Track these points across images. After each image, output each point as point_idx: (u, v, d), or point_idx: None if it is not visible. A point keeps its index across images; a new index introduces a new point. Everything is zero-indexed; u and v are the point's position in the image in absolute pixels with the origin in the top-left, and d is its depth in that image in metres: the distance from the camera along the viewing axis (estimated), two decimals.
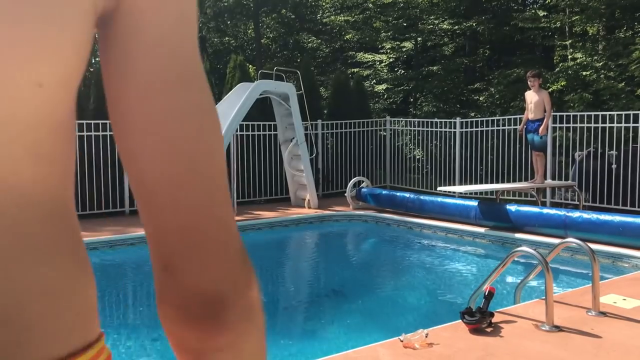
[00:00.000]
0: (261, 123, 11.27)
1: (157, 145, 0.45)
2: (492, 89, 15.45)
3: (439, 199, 8.93)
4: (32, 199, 0.43)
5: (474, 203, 8.25)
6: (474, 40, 18.02)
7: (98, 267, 7.10)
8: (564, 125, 9.93)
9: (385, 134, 12.48)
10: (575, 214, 7.09)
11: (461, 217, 8.29)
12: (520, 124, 8.94)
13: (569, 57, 14.44)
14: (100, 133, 9.63)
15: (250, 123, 10.92)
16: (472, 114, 14.83)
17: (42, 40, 0.41)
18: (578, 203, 8.99)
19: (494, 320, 3.88)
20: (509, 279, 5.94)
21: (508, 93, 14.68)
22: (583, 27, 15.26)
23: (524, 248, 4.24)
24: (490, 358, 3.34)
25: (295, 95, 10.68)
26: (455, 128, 11.35)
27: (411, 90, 18.31)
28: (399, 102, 18.66)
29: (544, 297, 3.92)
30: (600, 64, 13.07)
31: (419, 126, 12.19)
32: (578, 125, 9.57)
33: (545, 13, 14.83)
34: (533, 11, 15.55)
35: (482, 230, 7.91)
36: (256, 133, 11.32)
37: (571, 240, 4.53)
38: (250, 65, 16.74)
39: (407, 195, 9.41)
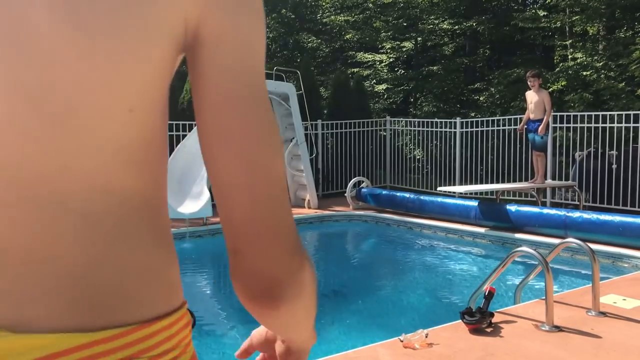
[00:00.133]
0: None
1: (228, 155, 0.55)
2: (492, 89, 15.46)
3: (439, 199, 8.93)
4: (132, 199, 0.54)
5: (474, 203, 8.25)
6: (474, 40, 18.02)
7: None
8: (564, 125, 9.93)
9: (385, 134, 12.47)
10: (576, 214, 7.09)
11: (461, 217, 8.29)
12: (520, 124, 8.93)
13: (569, 57, 14.44)
14: None
15: None
16: (472, 114, 14.84)
17: (134, 74, 0.51)
18: (578, 203, 8.99)
19: (494, 320, 3.88)
20: (509, 279, 5.94)
21: (508, 93, 14.68)
22: (583, 27, 15.26)
23: (524, 248, 4.24)
24: (490, 358, 3.34)
25: (295, 95, 10.68)
26: (455, 128, 11.35)
27: (411, 90, 18.31)
28: (399, 102, 18.66)
29: (544, 297, 3.92)
30: (601, 64, 13.07)
31: (419, 126, 12.19)
32: (578, 125, 9.57)
33: (546, 13, 14.84)
34: (533, 11, 15.56)
35: (482, 230, 7.90)
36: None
37: (571, 240, 4.53)
38: None
39: (407, 195, 9.41)
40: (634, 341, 3.60)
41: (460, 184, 10.93)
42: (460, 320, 3.80)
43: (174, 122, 10.34)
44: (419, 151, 12.52)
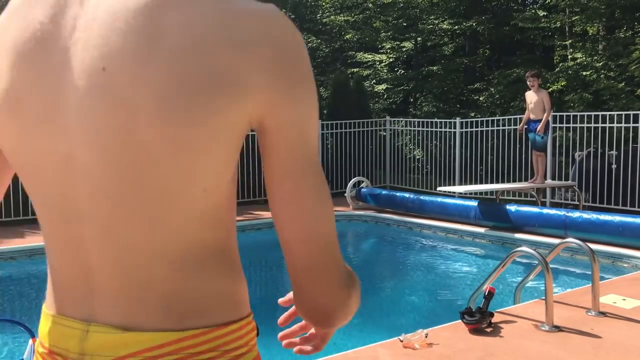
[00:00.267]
0: None
1: (289, 216, 0.70)
2: (492, 89, 15.45)
3: (439, 199, 8.93)
4: (209, 245, 0.71)
5: (474, 203, 8.25)
6: (474, 40, 18.02)
7: None
8: (564, 125, 9.93)
9: (385, 134, 12.47)
10: (575, 214, 7.09)
11: (461, 217, 8.29)
12: (520, 124, 8.92)
13: (569, 57, 14.44)
14: None
15: None
16: (472, 114, 14.84)
17: (207, 164, 0.66)
18: (578, 203, 8.99)
19: (493, 320, 3.88)
20: (509, 279, 5.94)
21: (508, 93, 14.68)
22: (583, 27, 15.26)
23: (524, 248, 4.24)
24: (490, 358, 3.34)
25: None
26: (455, 128, 11.35)
27: (411, 90, 18.31)
28: (399, 102, 18.66)
29: (543, 297, 3.92)
30: (600, 64, 13.07)
31: (419, 126, 12.19)
32: (578, 125, 9.57)
33: (545, 13, 14.83)
34: (533, 11, 15.55)
35: (482, 230, 7.90)
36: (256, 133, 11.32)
37: (571, 240, 4.53)
38: None
39: (407, 195, 9.41)
40: (634, 341, 3.60)
41: (460, 184, 10.93)
42: (460, 320, 3.80)
43: None
44: (419, 151, 12.52)
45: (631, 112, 9.03)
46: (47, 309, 0.77)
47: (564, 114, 10.09)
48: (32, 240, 7.48)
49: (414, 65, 18.53)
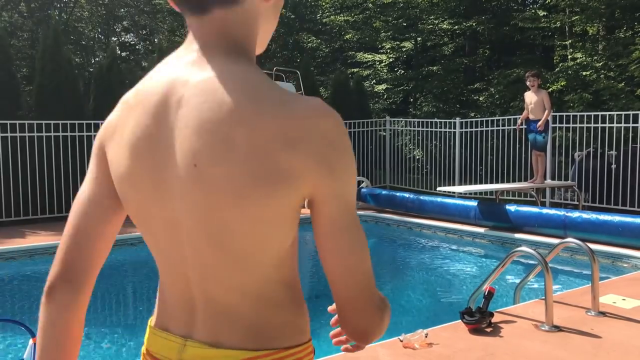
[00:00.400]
0: None
1: (333, 262, 0.89)
2: (492, 89, 15.45)
3: (439, 199, 8.93)
4: (279, 282, 0.92)
5: (474, 203, 8.26)
6: (474, 40, 18.01)
7: None
8: (564, 125, 9.94)
9: (385, 134, 12.47)
10: (575, 214, 7.09)
11: (461, 217, 8.29)
12: (525, 125, 8.88)
13: (569, 57, 14.43)
14: None
15: None
16: (472, 114, 14.84)
17: (275, 230, 0.87)
18: (577, 203, 8.99)
19: (493, 320, 3.88)
20: (509, 279, 5.94)
21: (508, 93, 14.67)
22: (583, 27, 15.26)
23: (524, 248, 4.24)
24: (490, 358, 3.34)
25: None
26: (455, 128, 11.35)
27: (411, 90, 18.30)
28: (398, 102, 18.65)
29: (543, 297, 3.92)
30: (600, 64, 13.07)
31: (418, 126, 12.19)
32: (578, 125, 9.57)
33: (545, 13, 14.82)
34: (533, 11, 15.54)
35: (481, 230, 7.91)
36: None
37: (571, 240, 4.53)
38: None
39: (406, 195, 9.41)
40: (634, 341, 3.60)
41: (460, 184, 10.93)
42: (460, 320, 3.80)
43: None
44: (419, 151, 12.52)
45: (631, 112, 9.03)
46: (154, 325, 1.00)
47: (564, 114, 10.09)
48: (32, 240, 7.48)
49: (413, 65, 18.52)
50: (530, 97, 8.48)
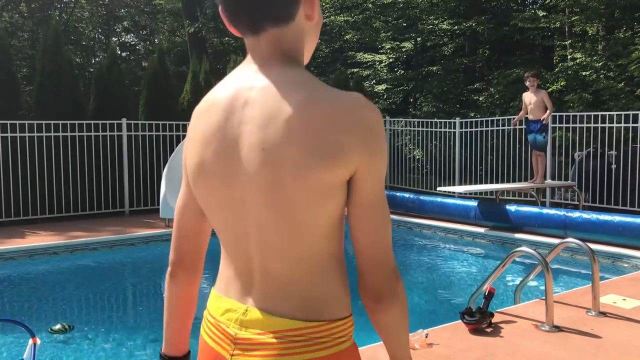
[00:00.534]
0: None
1: (361, 230, 1.05)
2: (492, 89, 15.44)
3: (439, 199, 8.93)
4: (329, 253, 1.07)
5: (474, 203, 8.25)
6: (474, 40, 18.00)
7: (97, 267, 7.09)
8: (564, 125, 9.94)
9: (385, 134, 12.47)
10: (575, 214, 7.09)
11: (461, 217, 8.29)
12: (525, 125, 8.86)
13: (569, 57, 14.43)
14: (100, 133, 9.62)
15: None
16: (472, 114, 14.83)
17: (328, 200, 1.01)
18: (578, 203, 9.00)
19: (494, 320, 3.88)
20: (509, 279, 5.94)
21: (508, 93, 14.66)
22: (583, 27, 15.25)
23: (524, 248, 4.24)
24: (490, 358, 3.34)
25: None
26: (455, 128, 11.35)
27: (411, 90, 18.30)
28: (398, 102, 18.64)
29: (543, 297, 3.92)
30: (600, 64, 13.06)
31: (418, 126, 12.19)
32: (578, 125, 9.57)
33: (545, 13, 14.81)
34: (533, 11, 15.53)
35: (482, 230, 7.91)
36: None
37: (571, 240, 4.53)
38: None
39: (406, 195, 9.41)
40: (634, 341, 3.60)
41: (460, 184, 10.93)
42: (460, 321, 3.80)
43: (174, 122, 10.34)
44: (419, 151, 12.52)
45: (631, 112, 9.03)
46: (218, 292, 1.16)
47: (564, 114, 10.09)
48: (32, 240, 7.48)
49: (413, 66, 18.52)
50: (529, 97, 8.47)
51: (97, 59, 21.76)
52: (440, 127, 11.68)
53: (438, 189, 10.33)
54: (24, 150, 8.89)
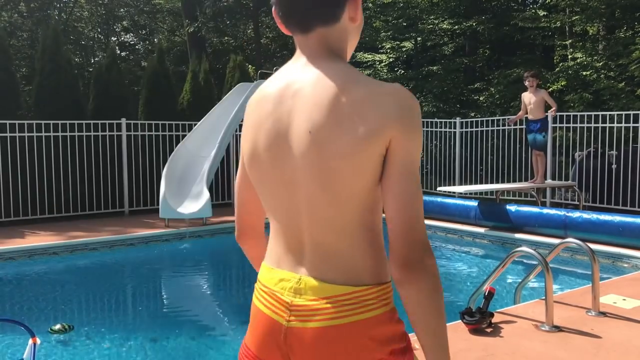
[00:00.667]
0: None
1: (394, 199, 1.11)
2: (492, 89, 15.42)
3: (439, 199, 8.92)
4: (371, 225, 1.17)
5: (474, 203, 8.25)
6: (474, 40, 17.99)
7: (97, 267, 7.09)
8: (564, 125, 9.93)
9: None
10: (575, 214, 7.09)
11: (461, 217, 8.28)
12: (525, 125, 8.85)
13: (569, 57, 14.42)
14: (100, 133, 9.61)
15: None
16: (472, 114, 14.82)
17: (368, 173, 1.12)
18: (578, 203, 8.99)
19: (493, 320, 3.87)
20: (509, 279, 5.94)
21: (508, 93, 14.65)
22: (583, 27, 15.24)
23: (524, 248, 4.23)
24: (490, 358, 3.34)
25: None
26: (455, 128, 11.34)
27: (411, 90, 18.27)
28: None
29: (543, 297, 3.92)
30: (600, 64, 13.05)
31: None
32: (578, 125, 9.57)
33: (545, 13, 14.80)
34: (533, 11, 15.52)
35: (482, 230, 7.90)
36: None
37: (571, 240, 4.52)
38: (249, 65, 16.73)
39: None
40: (634, 341, 3.60)
41: (460, 184, 10.93)
42: (460, 321, 3.79)
43: (174, 122, 10.33)
44: None
45: (631, 112, 9.02)
46: (269, 265, 1.26)
47: (564, 114, 10.08)
48: (31, 240, 7.47)
49: (414, 65, 18.51)
50: (529, 97, 8.46)
51: (97, 59, 21.76)
52: (441, 127, 11.68)
53: (438, 188, 10.32)
54: (23, 150, 8.88)
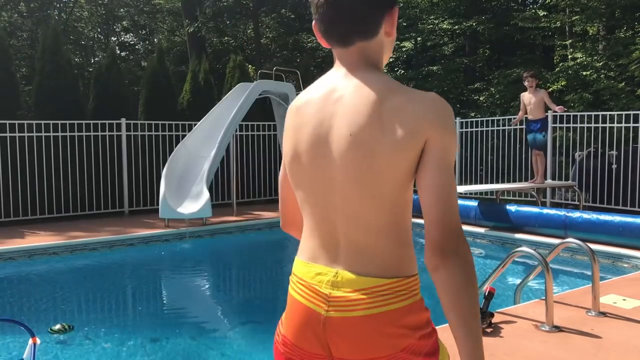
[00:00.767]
0: (261, 123, 11.26)
1: (429, 190, 1.19)
2: (492, 89, 15.42)
3: None
4: (402, 223, 1.27)
5: (474, 203, 8.25)
6: (474, 40, 17.99)
7: (97, 267, 7.09)
8: (564, 125, 9.93)
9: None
10: (575, 214, 7.09)
11: (461, 217, 8.23)
12: (526, 125, 8.82)
13: (569, 57, 14.42)
14: (99, 133, 9.61)
15: (250, 123, 10.90)
16: (472, 114, 14.82)
17: (406, 174, 1.22)
18: (578, 203, 8.99)
19: (494, 320, 3.87)
20: (509, 279, 5.93)
21: (508, 93, 14.65)
22: (583, 27, 15.24)
23: (524, 248, 4.23)
24: (491, 358, 3.33)
25: (295, 95, 10.66)
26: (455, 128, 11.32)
27: None
28: None
29: (544, 298, 3.92)
30: (600, 64, 13.05)
31: None
32: (578, 125, 9.57)
33: (545, 13, 14.80)
34: (533, 11, 15.52)
35: (482, 230, 7.90)
36: (256, 133, 11.31)
37: (571, 240, 4.52)
38: (249, 66, 16.72)
39: None
40: (634, 341, 3.60)
41: (460, 184, 10.92)
42: None
43: (174, 122, 10.33)
44: None
45: (631, 112, 9.02)
46: (304, 260, 1.34)
47: (564, 114, 10.08)
48: (31, 241, 7.47)
49: (414, 65, 18.51)
50: (528, 97, 8.46)
51: (97, 59, 21.76)
52: None
53: None
54: (23, 150, 8.88)
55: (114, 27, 24.29)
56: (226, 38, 21.28)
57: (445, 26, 16.90)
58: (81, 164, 9.46)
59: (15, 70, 10.66)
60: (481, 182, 11.08)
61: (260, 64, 17.44)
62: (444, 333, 1.49)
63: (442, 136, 1.20)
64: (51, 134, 9.11)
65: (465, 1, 17.13)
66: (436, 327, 1.35)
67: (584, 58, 13.33)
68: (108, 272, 6.87)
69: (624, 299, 4.46)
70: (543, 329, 3.79)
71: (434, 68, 17.25)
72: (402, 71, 18.59)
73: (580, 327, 3.83)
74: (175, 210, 8.21)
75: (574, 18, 14.21)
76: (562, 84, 13.38)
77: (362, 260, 1.25)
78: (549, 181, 9.15)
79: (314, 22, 1.35)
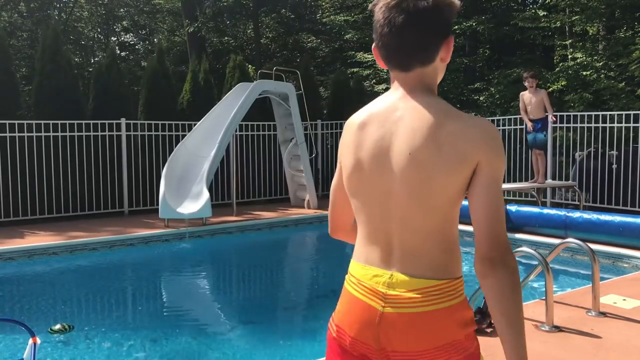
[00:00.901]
0: (261, 123, 11.25)
1: (480, 207, 1.36)
2: (492, 89, 15.42)
3: None
4: (450, 233, 1.43)
5: None
6: (474, 40, 17.98)
7: (97, 267, 7.09)
8: (564, 125, 9.92)
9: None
10: (576, 214, 7.09)
11: (461, 218, 8.24)
12: (525, 125, 8.79)
13: (569, 57, 14.42)
14: (99, 133, 9.61)
15: (250, 123, 10.90)
16: (473, 114, 14.80)
17: (456, 192, 1.38)
18: (578, 203, 8.98)
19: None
20: None
21: (508, 93, 14.65)
22: (583, 27, 15.23)
23: (524, 248, 4.23)
24: (491, 358, 3.33)
25: (295, 95, 10.66)
26: None
27: None
28: None
29: (544, 298, 3.92)
30: (601, 64, 13.05)
31: None
32: (578, 125, 9.56)
33: (545, 13, 14.79)
34: (533, 11, 15.51)
35: None
36: (256, 133, 11.30)
37: (571, 240, 4.52)
38: (249, 65, 16.72)
39: None
40: (634, 341, 3.59)
41: None
42: None
43: (174, 122, 10.33)
44: None
45: (631, 112, 9.02)
46: (360, 263, 1.48)
47: (564, 114, 10.08)
48: (31, 241, 7.47)
49: None
50: (529, 97, 8.46)
51: (97, 59, 21.76)
52: None
53: None
54: (23, 150, 8.88)
55: (114, 27, 24.29)
56: (226, 38, 21.27)
57: None
58: (81, 164, 9.46)
59: (15, 70, 10.67)
60: None
61: (260, 64, 17.44)
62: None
63: (492, 160, 1.34)
64: (51, 134, 9.11)
65: (465, 1, 17.09)
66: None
67: (584, 58, 13.32)
68: (108, 272, 6.86)
69: (624, 299, 4.46)
70: (543, 329, 3.79)
71: None
72: None
73: (580, 327, 3.83)
74: (175, 210, 8.21)
75: (574, 18, 14.21)
76: (562, 84, 13.37)
77: (414, 264, 1.39)
78: (549, 181, 9.15)
79: (374, 46, 1.46)
